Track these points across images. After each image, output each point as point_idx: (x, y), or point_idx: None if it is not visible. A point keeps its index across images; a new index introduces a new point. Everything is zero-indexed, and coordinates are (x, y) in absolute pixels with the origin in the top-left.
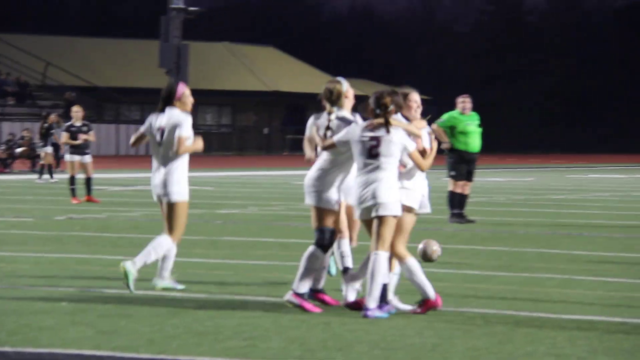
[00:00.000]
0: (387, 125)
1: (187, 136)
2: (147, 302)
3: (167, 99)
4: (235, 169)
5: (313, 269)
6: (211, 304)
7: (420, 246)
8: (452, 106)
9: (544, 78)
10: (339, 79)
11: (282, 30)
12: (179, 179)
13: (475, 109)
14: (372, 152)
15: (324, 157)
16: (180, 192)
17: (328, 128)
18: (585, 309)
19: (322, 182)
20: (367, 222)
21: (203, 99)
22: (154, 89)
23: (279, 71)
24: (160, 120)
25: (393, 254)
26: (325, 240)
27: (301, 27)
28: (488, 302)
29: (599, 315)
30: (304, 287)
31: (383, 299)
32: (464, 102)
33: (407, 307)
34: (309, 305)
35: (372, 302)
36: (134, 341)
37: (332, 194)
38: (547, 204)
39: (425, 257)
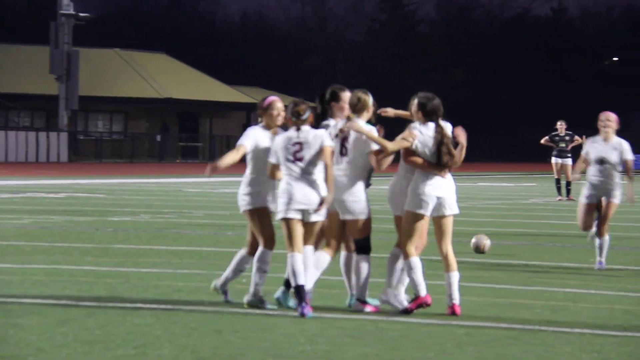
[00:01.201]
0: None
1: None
2: (36, 311)
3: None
4: (128, 177)
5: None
6: (101, 312)
7: (473, 240)
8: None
9: (434, 87)
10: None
11: (175, 37)
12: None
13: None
14: (295, 156)
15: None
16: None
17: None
18: (475, 315)
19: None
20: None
21: (95, 106)
22: (44, 95)
23: (171, 78)
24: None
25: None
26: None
27: (193, 35)
28: (380, 309)
29: (487, 321)
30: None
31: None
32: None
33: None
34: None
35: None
36: (23, 350)
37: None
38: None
39: (478, 250)
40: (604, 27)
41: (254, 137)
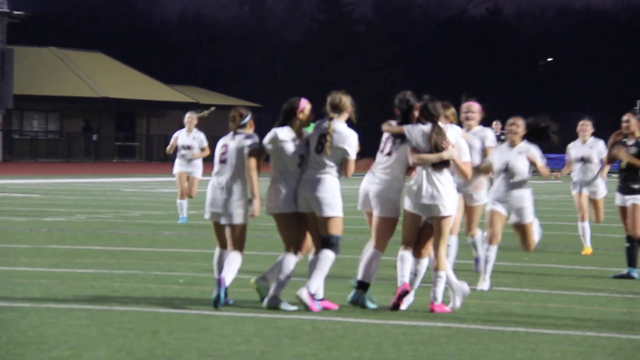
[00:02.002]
0: (234, 133)
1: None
2: None
3: (288, 114)
4: (63, 176)
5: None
6: (35, 313)
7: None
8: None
9: (375, 87)
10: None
11: (111, 35)
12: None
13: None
14: (221, 158)
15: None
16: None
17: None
18: (411, 315)
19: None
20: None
21: (30, 105)
22: None
23: (108, 77)
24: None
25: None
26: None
27: (131, 33)
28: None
29: (423, 321)
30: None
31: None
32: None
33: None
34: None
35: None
36: None
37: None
38: None
39: None
40: (539, 28)
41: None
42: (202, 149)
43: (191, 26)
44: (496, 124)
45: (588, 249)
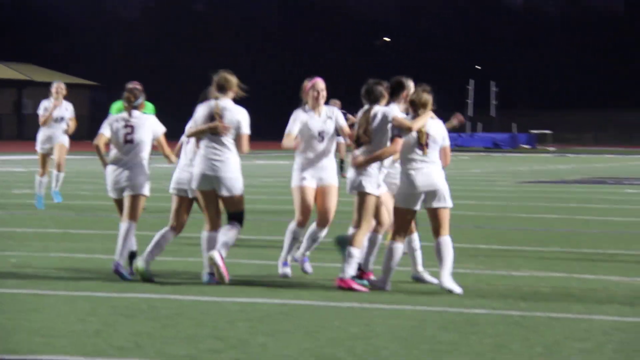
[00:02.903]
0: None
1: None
2: None
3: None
4: None
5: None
6: None
7: None
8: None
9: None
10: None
11: None
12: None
13: (148, 97)
14: (126, 138)
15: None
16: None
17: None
18: (249, 292)
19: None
20: (118, 201)
21: None
22: None
23: None
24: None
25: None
26: None
27: None
28: (153, 287)
29: (261, 297)
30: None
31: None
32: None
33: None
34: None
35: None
36: None
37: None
38: None
39: None
40: (375, 8)
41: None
42: (71, 120)
43: (25, 4)
44: (334, 103)
45: None
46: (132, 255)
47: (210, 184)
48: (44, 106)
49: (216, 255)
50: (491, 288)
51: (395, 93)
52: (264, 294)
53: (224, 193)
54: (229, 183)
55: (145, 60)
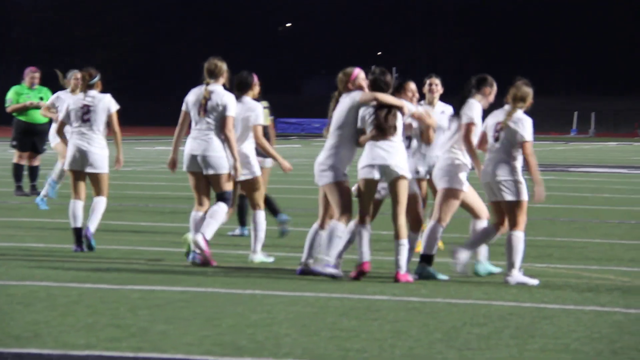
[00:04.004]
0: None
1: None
2: None
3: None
4: None
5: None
6: None
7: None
8: (18, 78)
9: (106, 52)
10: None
11: None
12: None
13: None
14: (83, 118)
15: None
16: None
17: None
18: (149, 279)
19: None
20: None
21: None
22: None
23: None
24: None
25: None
26: None
27: None
28: (52, 274)
29: (161, 285)
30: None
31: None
32: (32, 77)
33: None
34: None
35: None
36: None
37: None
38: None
39: None
40: None
41: None
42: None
43: None
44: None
45: None
46: (78, 232)
47: (197, 164)
48: (56, 97)
49: (200, 239)
50: (392, 275)
51: (477, 88)
52: (164, 282)
53: (210, 172)
54: (214, 161)
55: (44, 44)
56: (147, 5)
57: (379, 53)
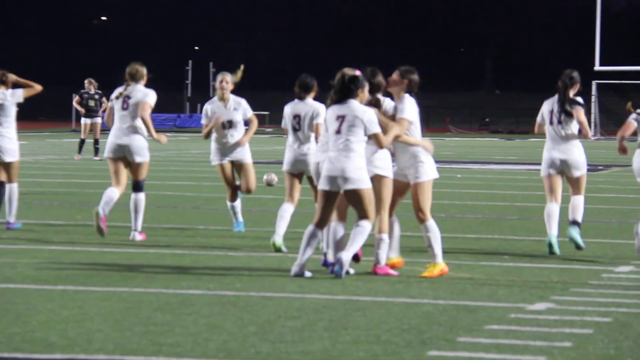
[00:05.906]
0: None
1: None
2: None
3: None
4: None
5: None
6: None
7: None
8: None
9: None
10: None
11: None
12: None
13: None
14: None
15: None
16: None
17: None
18: None
19: None
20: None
21: None
22: None
23: None
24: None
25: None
26: None
27: None
28: None
29: None
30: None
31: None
32: None
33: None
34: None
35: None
36: None
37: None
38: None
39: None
40: None
41: None
42: (249, 122)
43: None
44: (89, 82)
45: None
46: None
47: (122, 151)
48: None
49: (100, 210)
50: (208, 269)
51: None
52: None
53: (136, 159)
54: (137, 150)
55: None
56: None
57: (196, 48)
